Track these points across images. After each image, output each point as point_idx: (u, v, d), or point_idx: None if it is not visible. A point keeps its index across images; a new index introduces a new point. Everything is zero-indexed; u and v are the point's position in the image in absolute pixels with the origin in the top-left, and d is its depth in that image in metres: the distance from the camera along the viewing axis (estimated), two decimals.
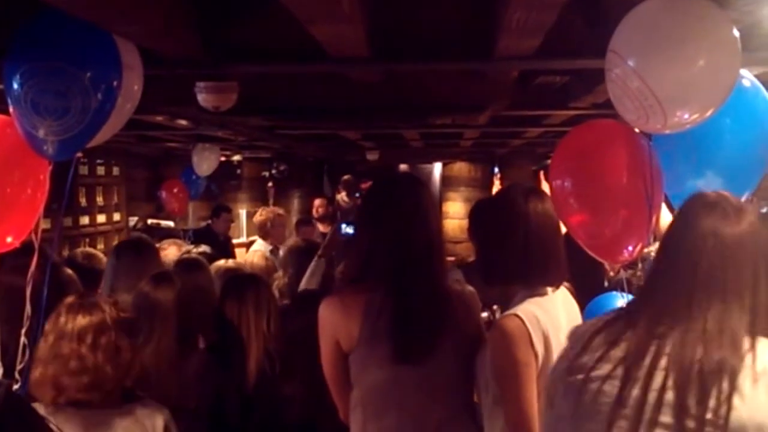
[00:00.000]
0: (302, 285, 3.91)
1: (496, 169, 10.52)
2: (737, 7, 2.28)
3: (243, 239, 9.87)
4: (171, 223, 9.13)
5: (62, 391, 2.26)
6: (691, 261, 1.62)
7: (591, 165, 2.79)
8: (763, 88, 2.60)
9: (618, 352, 1.61)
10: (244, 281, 3.33)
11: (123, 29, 2.36)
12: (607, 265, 3.98)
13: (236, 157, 10.31)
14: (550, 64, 3.15)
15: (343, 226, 4.05)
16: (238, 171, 10.86)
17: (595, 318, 1.80)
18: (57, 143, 2.38)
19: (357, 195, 9.64)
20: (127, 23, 2.30)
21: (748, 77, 2.56)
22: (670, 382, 1.52)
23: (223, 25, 2.78)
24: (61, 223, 6.51)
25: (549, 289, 2.33)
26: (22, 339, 2.57)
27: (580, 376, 1.64)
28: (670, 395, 1.51)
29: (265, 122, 5.60)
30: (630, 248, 2.74)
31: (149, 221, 9.13)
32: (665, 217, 3.03)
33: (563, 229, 2.53)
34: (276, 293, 4.09)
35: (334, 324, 2.38)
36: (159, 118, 4.98)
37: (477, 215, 2.56)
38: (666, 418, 1.51)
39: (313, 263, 3.93)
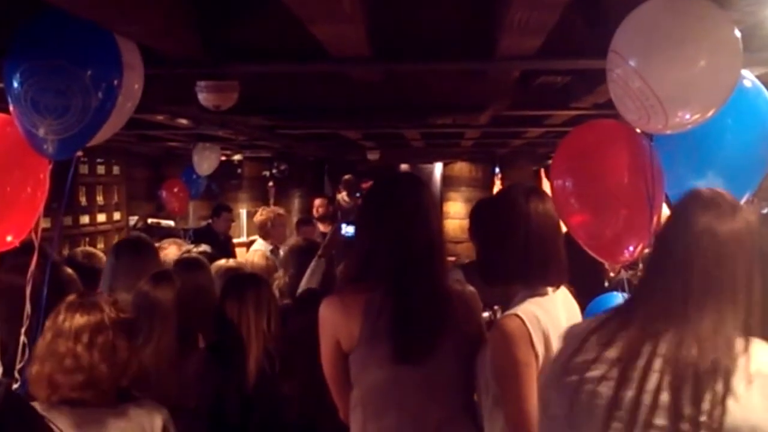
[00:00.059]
0: (302, 284, 3.91)
1: (497, 169, 10.53)
2: (739, 8, 2.28)
3: (243, 239, 9.87)
4: (171, 223, 9.14)
5: (56, 389, 2.26)
6: (685, 259, 1.61)
7: (592, 165, 2.79)
8: (764, 89, 2.60)
9: (612, 353, 1.60)
10: (244, 281, 3.33)
11: (124, 28, 2.36)
12: (607, 266, 3.99)
13: (237, 157, 10.32)
14: (551, 64, 3.15)
15: (344, 225, 4.04)
16: (239, 170, 10.87)
17: (589, 318, 1.80)
18: (57, 142, 2.38)
19: (357, 195, 9.65)
20: (128, 23, 2.30)
21: (749, 78, 2.56)
22: (664, 384, 1.51)
23: (224, 24, 2.78)
24: (61, 222, 6.52)
25: (549, 289, 2.32)
26: (22, 338, 2.56)
27: (575, 378, 1.63)
28: (664, 397, 1.50)
29: (266, 121, 5.61)
30: (631, 248, 2.74)
31: (149, 220, 9.14)
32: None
33: (563, 229, 2.53)
34: (276, 293, 4.09)
35: (335, 323, 2.37)
36: (159, 118, 4.99)
37: (478, 215, 2.56)
38: (660, 420, 1.50)
39: (313, 263, 3.93)
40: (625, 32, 2.18)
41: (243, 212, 10.70)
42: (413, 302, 2.31)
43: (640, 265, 3.06)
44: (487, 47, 2.74)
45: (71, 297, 2.42)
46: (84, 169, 7.77)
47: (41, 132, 2.36)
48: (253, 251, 6.35)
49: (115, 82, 2.39)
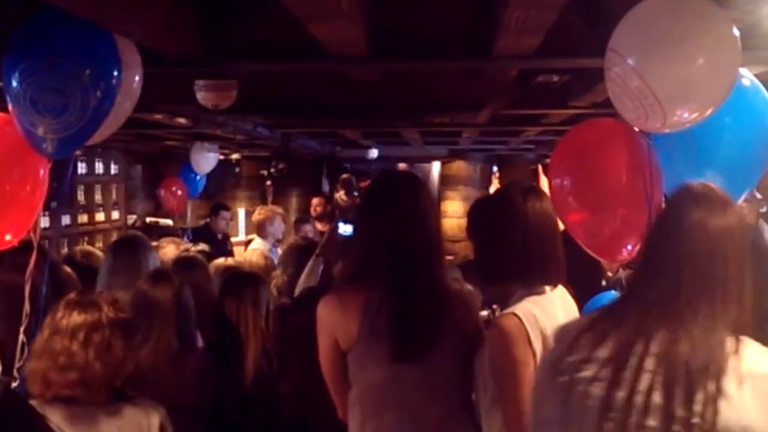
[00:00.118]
0: (300, 283, 3.91)
1: (495, 168, 10.53)
2: (737, 6, 2.28)
3: (241, 238, 9.87)
4: (170, 222, 9.15)
5: (50, 385, 2.26)
6: (678, 255, 1.61)
7: (590, 164, 2.79)
8: (762, 88, 2.60)
9: (604, 353, 1.59)
10: (242, 280, 3.34)
11: (123, 28, 2.36)
12: (605, 264, 3.99)
13: (235, 156, 10.31)
14: (549, 62, 3.15)
15: (341, 224, 4.04)
16: (237, 169, 10.87)
17: (581, 316, 1.79)
18: (56, 141, 2.38)
19: (355, 194, 9.63)
20: (128, 22, 2.31)
21: (747, 76, 2.56)
22: (656, 385, 1.51)
23: (223, 23, 2.78)
24: (59, 221, 6.52)
25: (547, 288, 2.32)
26: (21, 337, 2.57)
27: (567, 378, 1.62)
28: (656, 398, 1.50)
29: (265, 120, 5.60)
30: (629, 247, 2.74)
31: (148, 219, 9.14)
32: None
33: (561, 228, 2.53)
34: (274, 291, 4.10)
35: (333, 322, 2.38)
36: (158, 116, 4.98)
37: (475, 214, 2.55)
38: (652, 421, 1.49)
39: (311, 262, 3.93)
40: (623, 31, 2.18)
41: (241, 211, 10.70)
42: (412, 301, 2.31)
43: None
44: (485, 46, 2.75)
45: (71, 295, 2.43)
46: (83, 168, 7.76)
47: (40, 131, 2.36)
48: (251, 250, 6.35)
49: (114, 81, 2.39)
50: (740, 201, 2.69)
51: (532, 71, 3.79)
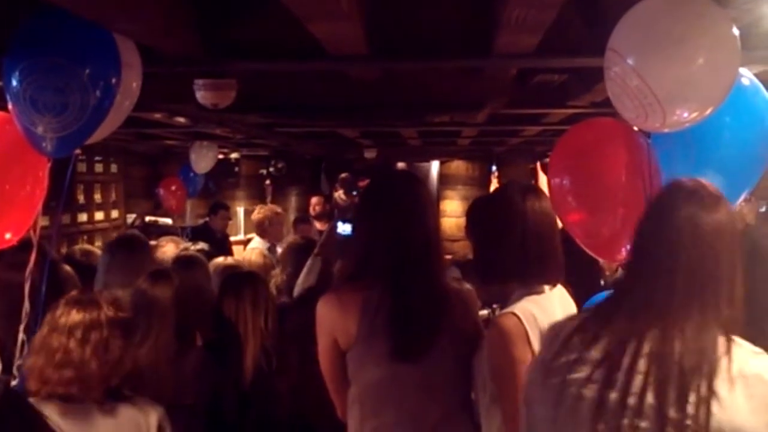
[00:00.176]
0: (299, 282, 3.91)
1: (494, 168, 10.53)
2: (736, 6, 2.29)
3: (241, 237, 9.87)
4: (169, 221, 9.15)
5: (46, 382, 2.26)
6: (669, 253, 1.59)
7: (590, 163, 2.79)
8: (762, 87, 2.60)
9: (596, 354, 1.58)
10: (241, 279, 3.33)
11: (124, 27, 2.36)
12: (604, 264, 3.99)
13: (234, 155, 10.31)
14: (548, 62, 3.15)
15: (340, 224, 4.03)
16: (236, 169, 10.87)
17: (571, 315, 1.79)
18: (56, 140, 2.38)
19: (354, 193, 9.63)
20: (128, 21, 2.31)
21: (747, 76, 2.57)
22: (649, 386, 1.50)
23: (223, 23, 2.79)
24: (59, 220, 6.51)
25: (546, 288, 2.32)
26: (20, 335, 2.57)
27: (559, 379, 1.61)
28: (649, 399, 1.49)
29: (264, 120, 5.60)
30: (628, 247, 2.74)
31: (147, 218, 9.14)
32: None
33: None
34: (274, 290, 4.09)
35: (332, 321, 2.37)
36: (157, 116, 4.98)
37: (474, 213, 2.55)
38: (645, 423, 1.49)
39: (309, 261, 3.93)
40: (623, 30, 2.18)
41: (240, 210, 10.72)
42: (411, 300, 2.31)
43: None
44: (485, 45, 2.75)
45: (72, 293, 2.43)
46: (82, 167, 7.78)
47: (40, 130, 2.37)
48: (250, 249, 6.35)
49: (114, 80, 2.39)
50: (739, 201, 2.69)
51: (531, 70, 3.80)
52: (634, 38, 2.16)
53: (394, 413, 2.32)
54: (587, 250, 2.84)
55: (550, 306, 2.28)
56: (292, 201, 11.27)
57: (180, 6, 2.54)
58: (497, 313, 2.69)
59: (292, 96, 4.53)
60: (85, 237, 7.84)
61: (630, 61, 2.13)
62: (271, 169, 10.67)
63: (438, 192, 11.03)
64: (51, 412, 2.18)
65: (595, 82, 3.57)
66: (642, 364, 1.52)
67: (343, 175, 10.01)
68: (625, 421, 1.50)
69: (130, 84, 2.49)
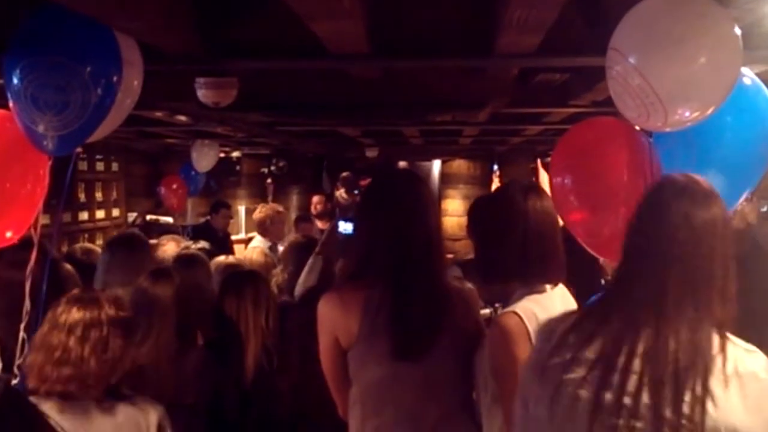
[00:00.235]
0: (300, 281, 3.91)
1: (496, 167, 10.52)
2: (738, 5, 2.29)
3: (242, 235, 9.87)
4: (170, 219, 9.14)
5: (45, 380, 2.26)
6: (662, 251, 1.58)
7: (591, 163, 2.79)
8: (764, 87, 2.60)
9: (591, 353, 1.58)
10: (243, 277, 3.33)
11: (124, 25, 2.36)
12: (605, 263, 3.99)
13: (235, 154, 10.31)
14: (550, 61, 3.15)
15: (341, 222, 4.03)
16: (237, 167, 10.87)
17: (566, 312, 1.78)
18: (57, 138, 2.38)
19: (356, 192, 9.63)
20: (129, 19, 2.30)
21: (749, 75, 2.56)
22: (644, 386, 1.49)
23: (224, 21, 2.78)
24: (60, 218, 6.51)
25: (548, 287, 2.32)
26: (21, 334, 2.57)
27: (554, 379, 1.61)
28: (645, 399, 1.49)
29: (265, 118, 5.61)
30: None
31: (148, 217, 9.13)
32: None
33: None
34: (275, 289, 4.09)
35: (333, 320, 2.37)
36: (158, 114, 4.99)
37: (476, 212, 2.55)
38: (641, 423, 1.48)
39: (311, 260, 3.93)
40: (624, 29, 2.18)
41: (241, 209, 10.71)
42: (412, 299, 2.31)
43: None
44: (486, 45, 2.75)
45: (74, 291, 2.43)
46: (83, 165, 7.78)
47: (41, 128, 2.36)
48: (251, 248, 6.34)
49: (115, 78, 2.39)
50: (741, 200, 2.69)
51: (532, 70, 3.80)
52: (635, 37, 2.16)
53: (395, 412, 2.31)
54: (589, 250, 2.84)
55: (552, 305, 2.28)
56: (294, 200, 11.27)
57: (181, 4, 2.54)
58: (499, 312, 2.70)
59: (293, 95, 4.53)
60: (86, 235, 7.85)
61: (632, 61, 2.13)
62: (273, 168, 10.66)
63: (439, 191, 11.02)
64: (50, 410, 2.18)
65: (597, 81, 3.57)
66: (637, 364, 1.52)
67: (345, 173, 10.01)
68: (621, 422, 1.50)
69: (132, 82, 2.49)
